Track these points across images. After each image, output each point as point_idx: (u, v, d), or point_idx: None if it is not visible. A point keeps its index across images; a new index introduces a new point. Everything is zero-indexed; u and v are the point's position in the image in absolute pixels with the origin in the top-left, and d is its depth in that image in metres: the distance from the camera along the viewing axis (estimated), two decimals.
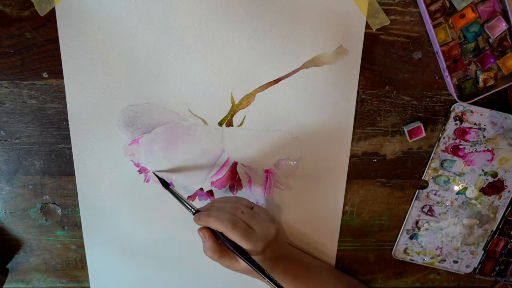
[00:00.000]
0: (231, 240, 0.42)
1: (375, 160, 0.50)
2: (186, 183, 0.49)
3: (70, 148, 0.47)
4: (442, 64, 0.45)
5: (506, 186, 0.51)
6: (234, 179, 0.50)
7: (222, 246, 0.43)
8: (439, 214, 0.53)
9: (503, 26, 0.43)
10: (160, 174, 0.48)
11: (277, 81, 0.46)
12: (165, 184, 0.47)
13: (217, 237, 0.43)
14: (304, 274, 0.49)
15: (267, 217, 0.46)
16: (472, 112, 0.47)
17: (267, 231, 0.44)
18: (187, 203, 0.45)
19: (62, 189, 0.49)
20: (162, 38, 0.43)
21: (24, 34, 0.42)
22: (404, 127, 0.49)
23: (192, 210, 0.44)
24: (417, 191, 0.52)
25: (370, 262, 0.56)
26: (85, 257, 0.53)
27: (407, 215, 0.53)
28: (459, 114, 0.48)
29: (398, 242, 0.54)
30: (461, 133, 0.48)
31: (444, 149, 0.49)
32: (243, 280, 0.55)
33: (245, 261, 0.41)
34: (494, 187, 0.51)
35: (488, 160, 0.50)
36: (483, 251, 0.55)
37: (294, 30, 0.44)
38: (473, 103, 0.46)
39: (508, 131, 0.48)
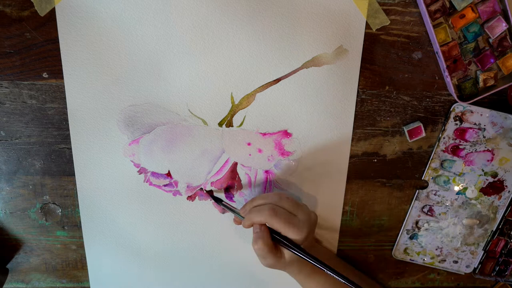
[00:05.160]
0: (279, 234, 0.41)
1: (375, 160, 0.50)
2: (186, 183, 0.49)
3: (70, 148, 0.47)
4: (442, 64, 0.45)
5: (506, 186, 0.51)
6: (234, 179, 0.50)
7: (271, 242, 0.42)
8: (439, 214, 0.53)
9: (503, 26, 0.43)
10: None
11: (277, 81, 0.46)
12: (218, 200, 0.49)
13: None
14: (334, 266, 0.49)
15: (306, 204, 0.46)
16: (472, 112, 0.47)
17: (309, 217, 0.43)
18: (236, 212, 0.46)
19: (62, 189, 0.49)
20: (162, 38, 0.43)
21: (24, 34, 0.42)
22: (404, 127, 0.49)
23: (242, 217, 0.45)
24: (417, 191, 0.52)
25: (370, 262, 0.56)
26: (85, 257, 0.53)
27: (407, 215, 0.53)
28: (459, 114, 0.48)
29: (398, 242, 0.54)
30: (461, 133, 0.48)
31: (444, 149, 0.49)
32: (243, 279, 0.55)
33: (296, 253, 0.40)
34: (494, 187, 0.51)
35: (488, 160, 0.50)
36: (483, 251, 0.55)
37: (294, 30, 0.44)
38: (473, 103, 0.46)
39: (508, 131, 0.48)
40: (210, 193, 0.50)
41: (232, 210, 0.47)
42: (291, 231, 0.41)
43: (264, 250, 0.41)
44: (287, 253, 0.43)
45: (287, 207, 0.42)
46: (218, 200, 0.49)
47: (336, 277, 0.39)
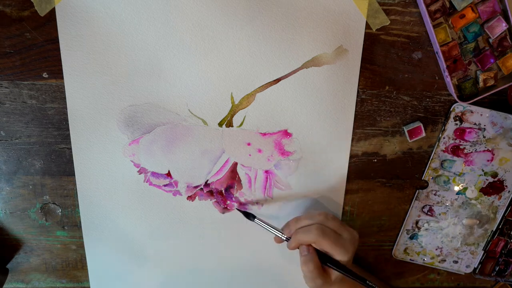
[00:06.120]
0: (327, 256, 0.41)
1: (375, 160, 0.50)
2: (186, 183, 0.49)
3: (70, 148, 0.47)
4: (442, 64, 0.45)
5: (506, 186, 0.51)
6: (234, 179, 0.50)
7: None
8: (439, 214, 0.53)
9: (503, 26, 0.43)
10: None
11: (277, 81, 0.46)
12: (251, 216, 0.48)
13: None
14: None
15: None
16: (472, 112, 0.47)
17: (353, 236, 0.43)
18: (277, 231, 0.45)
19: (62, 189, 0.49)
20: (162, 38, 0.43)
21: (24, 34, 0.42)
22: (404, 127, 0.49)
23: (284, 237, 0.44)
24: (417, 191, 0.52)
25: (370, 262, 0.56)
26: (85, 257, 0.53)
27: (407, 215, 0.53)
28: (459, 114, 0.48)
29: (398, 242, 0.54)
30: (461, 133, 0.48)
31: (444, 149, 0.49)
32: (243, 278, 0.55)
33: (346, 274, 0.41)
34: (494, 187, 0.51)
35: (488, 160, 0.50)
36: (483, 251, 0.55)
37: (294, 30, 0.44)
38: (473, 103, 0.46)
39: (508, 131, 0.48)
40: (241, 209, 0.49)
41: (271, 228, 0.46)
42: (338, 251, 0.41)
43: (314, 273, 0.41)
44: (333, 273, 0.43)
45: (333, 227, 0.42)
46: (250, 217, 0.48)
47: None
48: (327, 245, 0.41)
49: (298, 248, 0.44)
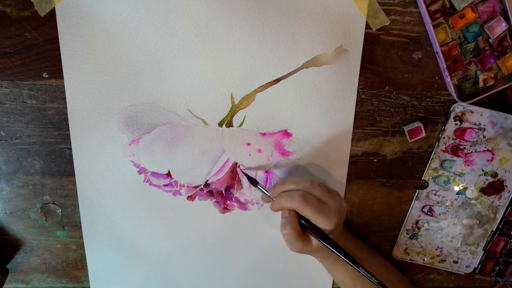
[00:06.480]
0: (308, 221, 0.41)
1: (375, 160, 0.50)
2: (186, 183, 0.49)
3: (70, 148, 0.47)
4: (442, 64, 0.45)
5: (506, 186, 0.51)
6: (234, 179, 0.50)
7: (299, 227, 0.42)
8: (439, 214, 0.53)
9: (503, 26, 0.43)
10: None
11: (277, 81, 0.46)
12: (254, 181, 0.47)
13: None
14: (364, 256, 0.48)
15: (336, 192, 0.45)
16: (472, 112, 0.47)
17: (340, 206, 0.42)
18: (271, 197, 0.45)
19: (62, 189, 0.49)
20: (162, 38, 0.43)
21: (24, 34, 0.42)
22: (404, 127, 0.49)
23: (273, 198, 0.44)
24: (417, 191, 0.52)
25: None
26: (85, 257, 0.53)
27: (407, 215, 0.53)
28: (459, 114, 0.48)
29: (398, 242, 0.54)
30: (461, 133, 0.48)
31: (444, 149, 0.49)
32: (242, 278, 0.55)
33: (322, 242, 0.41)
34: (494, 187, 0.51)
35: (488, 160, 0.50)
36: (483, 251, 0.55)
37: (294, 30, 0.44)
38: (473, 103, 0.46)
39: (508, 131, 0.48)
40: (245, 173, 0.48)
41: (262, 189, 0.46)
42: (320, 220, 0.40)
43: (292, 236, 0.41)
44: (314, 239, 0.42)
45: (318, 195, 0.42)
46: (252, 180, 0.47)
47: (359, 270, 0.40)
48: (309, 213, 0.40)
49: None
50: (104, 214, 0.50)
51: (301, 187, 0.42)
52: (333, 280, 0.56)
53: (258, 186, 0.47)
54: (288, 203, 0.41)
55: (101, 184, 0.49)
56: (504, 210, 0.52)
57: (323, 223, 0.41)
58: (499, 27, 0.43)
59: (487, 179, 0.51)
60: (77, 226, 0.51)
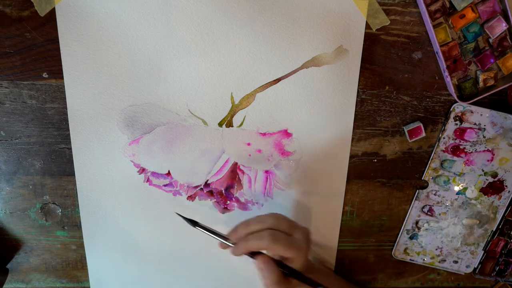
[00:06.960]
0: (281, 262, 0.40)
1: (375, 160, 0.50)
2: (186, 183, 0.49)
3: (70, 148, 0.47)
4: (442, 64, 0.45)
5: (506, 186, 0.51)
6: (234, 179, 0.50)
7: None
8: (439, 214, 0.53)
9: (503, 26, 0.43)
10: (185, 214, 0.44)
11: (277, 81, 0.46)
12: (194, 223, 0.44)
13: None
14: (326, 281, 0.47)
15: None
16: (472, 112, 0.47)
17: (306, 234, 0.42)
18: (222, 237, 0.42)
19: (62, 189, 0.49)
20: (162, 38, 0.43)
21: (24, 34, 0.42)
22: (404, 127, 0.49)
23: (231, 243, 0.42)
24: (417, 191, 0.52)
25: (370, 262, 0.56)
26: (85, 257, 0.53)
27: (407, 215, 0.53)
28: (459, 114, 0.48)
29: (398, 242, 0.54)
30: (461, 133, 0.48)
31: (444, 149, 0.49)
32: (242, 278, 0.55)
33: (300, 280, 0.40)
34: (494, 187, 0.51)
35: (488, 160, 0.50)
36: (483, 251, 0.55)
37: (294, 30, 0.44)
38: (473, 103, 0.46)
39: (508, 131, 0.48)
40: (188, 220, 0.44)
41: (215, 235, 0.42)
42: (292, 254, 0.40)
43: (280, 285, 0.40)
44: (293, 280, 0.41)
45: (284, 229, 0.41)
46: (193, 223, 0.44)
47: None
48: (281, 250, 0.39)
49: (245, 254, 0.41)
50: (104, 214, 0.50)
51: (267, 225, 0.41)
52: None
53: (200, 226, 0.43)
54: (257, 244, 0.39)
55: (101, 184, 0.49)
56: (504, 210, 0.52)
57: (296, 257, 0.40)
58: (499, 27, 0.43)
59: (487, 179, 0.51)
60: (77, 226, 0.51)
